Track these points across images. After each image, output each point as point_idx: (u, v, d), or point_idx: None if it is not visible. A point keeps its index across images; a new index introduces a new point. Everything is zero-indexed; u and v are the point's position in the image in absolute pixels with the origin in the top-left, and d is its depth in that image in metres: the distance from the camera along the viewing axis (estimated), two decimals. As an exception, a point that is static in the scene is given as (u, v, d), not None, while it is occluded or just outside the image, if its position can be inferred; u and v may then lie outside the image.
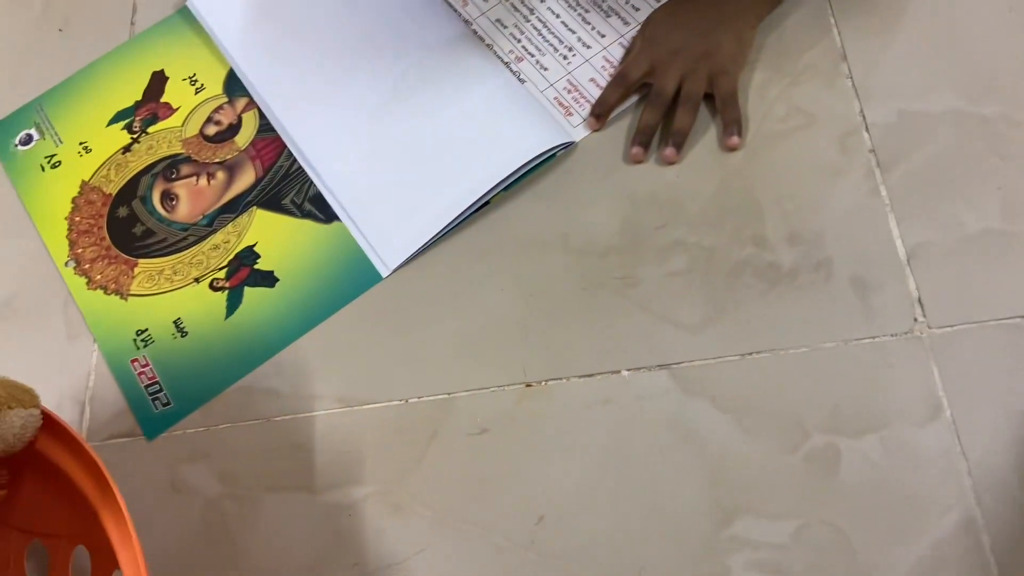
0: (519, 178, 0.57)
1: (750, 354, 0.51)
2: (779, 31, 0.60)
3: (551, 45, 0.63)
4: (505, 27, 0.64)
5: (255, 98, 0.63)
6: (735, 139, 0.56)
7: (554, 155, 0.58)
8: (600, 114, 0.59)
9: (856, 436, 0.48)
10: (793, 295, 0.52)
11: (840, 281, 0.52)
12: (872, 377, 0.49)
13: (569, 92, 0.62)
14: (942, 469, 0.47)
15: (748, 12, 0.59)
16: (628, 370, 0.52)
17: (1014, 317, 0.49)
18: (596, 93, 0.61)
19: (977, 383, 0.48)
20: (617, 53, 0.62)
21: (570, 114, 0.61)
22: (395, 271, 0.56)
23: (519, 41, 0.64)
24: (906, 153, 0.55)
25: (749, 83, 0.59)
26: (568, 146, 0.59)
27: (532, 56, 0.63)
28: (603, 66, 0.62)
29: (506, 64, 0.62)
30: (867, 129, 0.56)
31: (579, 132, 0.60)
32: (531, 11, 0.64)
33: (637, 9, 0.63)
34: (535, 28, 0.64)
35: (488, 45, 0.63)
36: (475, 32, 0.64)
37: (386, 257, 0.56)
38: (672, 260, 0.55)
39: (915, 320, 0.50)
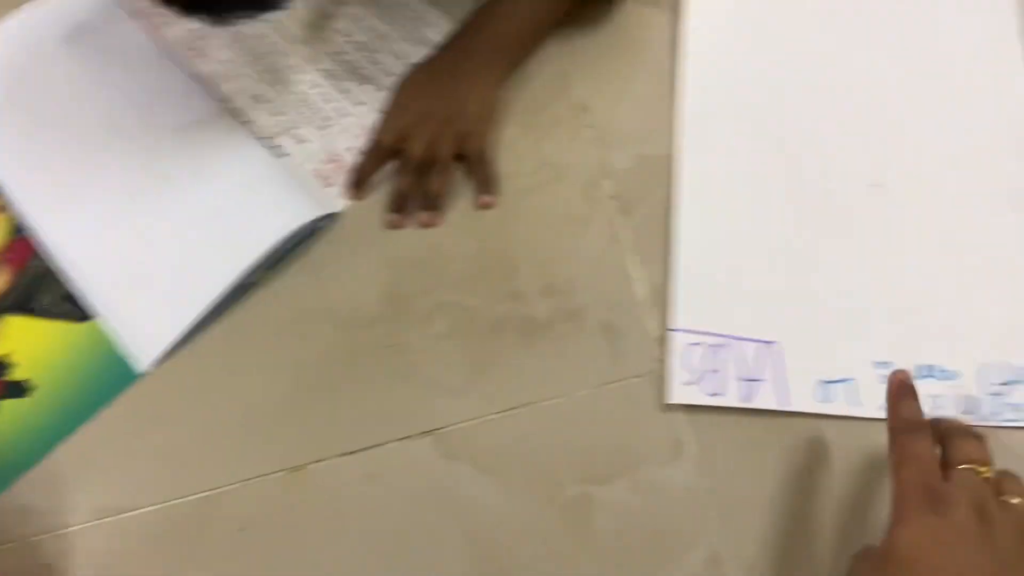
0: (284, 254, 0.57)
1: (509, 410, 0.52)
2: (526, 88, 0.62)
3: (310, 117, 0.64)
4: (266, 102, 0.64)
5: (3, 198, 0.61)
6: (487, 198, 0.58)
7: (318, 227, 0.58)
8: (357, 183, 0.59)
9: (607, 482, 0.50)
10: (549, 347, 0.54)
11: (591, 328, 0.54)
12: (621, 421, 0.51)
13: (328, 163, 0.62)
14: (688, 505, 0.49)
15: (491, 74, 0.60)
16: (394, 441, 0.53)
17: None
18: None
19: (715, 417, 0.50)
20: (374, 120, 0.62)
21: (330, 184, 0.61)
22: (156, 365, 0.55)
23: (279, 115, 0.64)
24: (644, 196, 0.57)
25: (500, 142, 0.61)
26: (330, 217, 0.59)
27: (292, 129, 0.63)
28: (359, 134, 0.62)
29: (267, 139, 0.62)
30: (608, 176, 0.58)
31: (341, 202, 0.60)
32: (289, 84, 0.64)
33: (391, 75, 0.64)
34: (296, 100, 0.64)
35: (246, 122, 0.63)
36: (232, 109, 0.63)
37: (144, 352, 0.55)
38: (436, 323, 0.56)
39: (657, 359, 0.52)
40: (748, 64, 0.60)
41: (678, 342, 0.52)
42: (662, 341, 0.52)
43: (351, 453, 0.53)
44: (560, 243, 0.57)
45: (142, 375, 0.55)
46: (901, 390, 0.41)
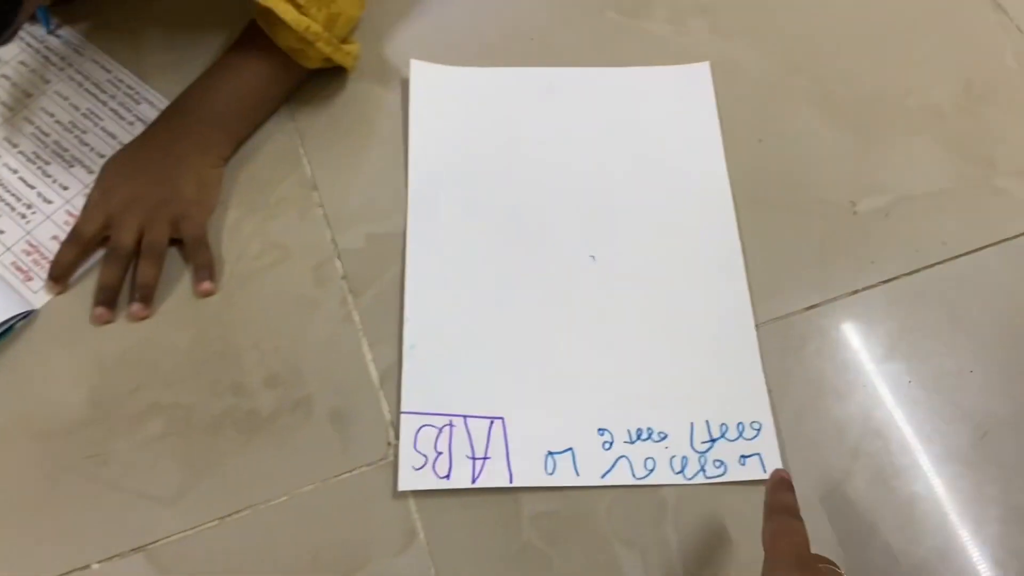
0: None
1: (229, 516, 0.49)
2: (251, 167, 0.60)
3: (8, 205, 0.58)
4: None
5: None
6: (206, 284, 0.54)
7: (12, 327, 0.52)
8: (58, 276, 0.54)
9: (336, 582, 0.47)
10: (273, 441, 0.51)
11: (320, 417, 0.52)
12: (351, 514, 0.49)
13: (29, 254, 0.56)
14: (420, 595, 0.47)
15: (208, 152, 0.57)
16: (99, 562, 0.47)
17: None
18: None
19: (446, 500, 0.49)
20: (81, 205, 0.57)
21: (30, 279, 0.55)
22: None
23: None
24: (375, 276, 0.56)
25: (223, 223, 0.57)
26: (27, 315, 0.53)
27: None
28: (66, 221, 0.57)
29: None
30: (339, 256, 0.57)
31: (41, 297, 0.54)
32: None
33: (102, 156, 0.59)
34: None
35: None
36: None
37: None
38: (147, 426, 0.51)
39: (388, 444, 0.51)
40: (471, 144, 0.61)
41: (408, 425, 0.51)
42: (395, 425, 0.51)
43: (52, 580, 0.47)
44: (287, 328, 0.54)
45: None
46: (780, 484, 0.44)
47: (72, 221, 0.57)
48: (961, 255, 0.57)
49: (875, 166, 0.60)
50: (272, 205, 0.59)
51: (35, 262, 0.56)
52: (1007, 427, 0.51)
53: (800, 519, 0.41)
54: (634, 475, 0.50)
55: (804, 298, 0.55)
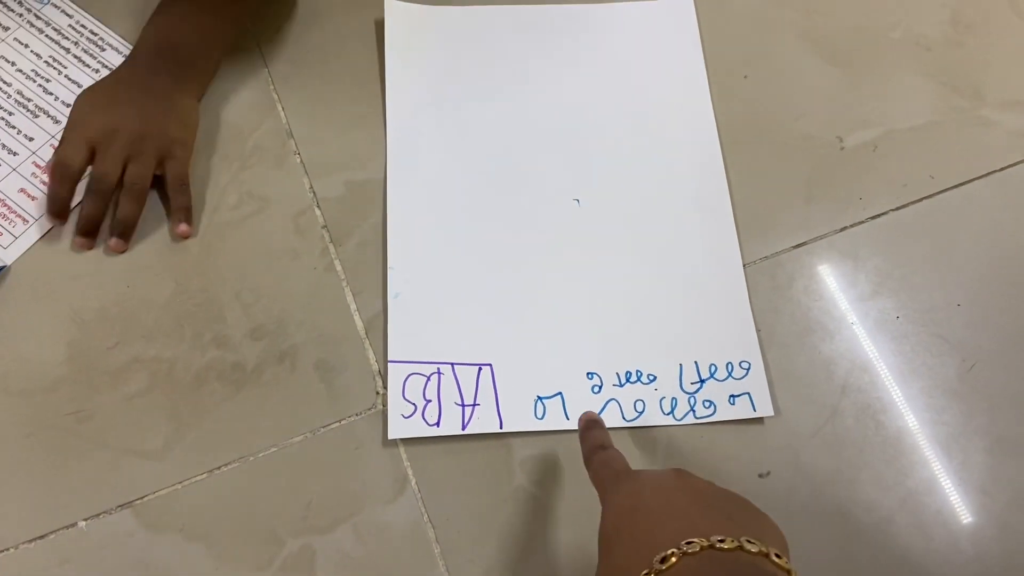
0: None
1: (218, 468, 0.48)
2: (225, 115, 0.58)
3: None
4: None
5: None
6: (184, 226, 0.53)
7: None
8: (59, 212, 0.53)
9: (329, 530, 0.47)
10: (260, 394, 0.50)
11: (305, 369, 0.51)
12: (342, 463, 0.49)
13: None
14: (413, 541, 0.47)
15: (186, 90, 0.56)
16: (86, 519, 0.47)
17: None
18: (28, 206, 0.54)
19: (436, 447, 0.49)
20: (48, 155, 0.56)
21: None
22: None
23: None
24: (356, 224, 0.55)
25: (197, 173, 0.56)
26: (0, 271, 0.51)
27: None
28: (34, 173, 0.55)
29: None
30: (319, 205, 0.55)
31: (12, 253, 0.53)
32: None
33: (68, 105, 0.57)
34: None
35: None
36: None
37: None
38: (129, 381, 0.50)
39: (377, 393, 0.50)
40: (450, 86, 0.59)
41: (396, 374, 0.50)
42: (383, 374, 0.51)
43: (40, 538, 0.47)
44: (269, 279, 0.53)
45: None
46: (589, 424, 0.45)
47: (41, 172, 0.55)
48: (949, 188, 0.56)
49: (862, 100, 0.59)
50: (248, 154, 0.57)
51: (3, 216, 0.54)
52: (994, 359, 0.51)
53: (613, 448, 0.41)
54: (624, 417, 0.50)
55: (791, 236, 0.55)
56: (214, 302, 0.53)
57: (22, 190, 0.55)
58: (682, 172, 0.57)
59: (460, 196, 0.55)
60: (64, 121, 0.56)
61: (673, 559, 0.29)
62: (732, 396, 0.50)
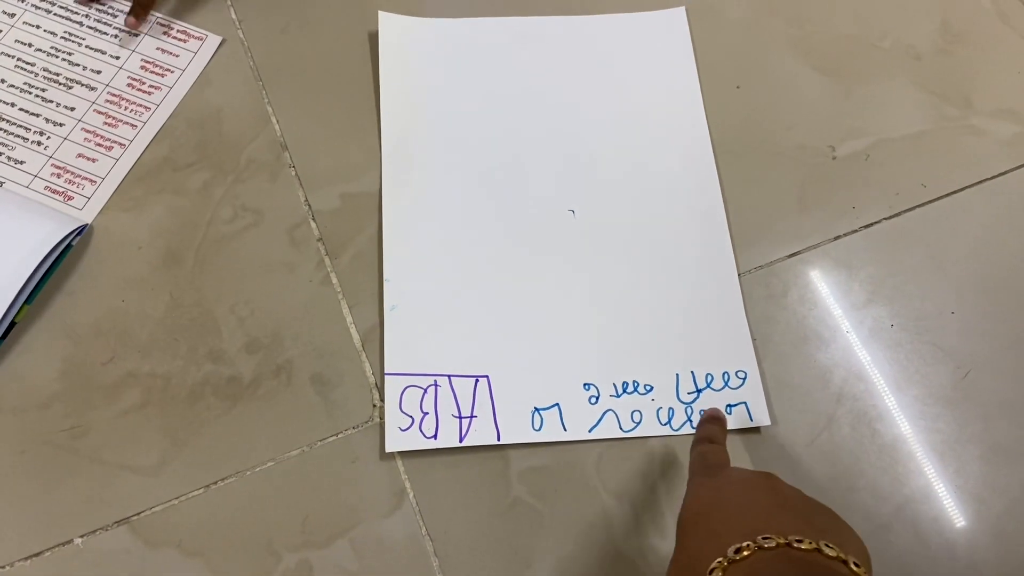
0: (43, 282, 0.52)
1: (215, 484, 0.48)
2: (219, 127, 0.58)
3: (18, 137, 0.57)
4: None
5: None
6: (132, 19, 0.58)
7: (70, 245, 0.53)
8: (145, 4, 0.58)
9: (326, 545, 0.47)
10: (256, 407, 0.50)
11: (302, 382, 0.51)
12: (339, 477, 0.48)
13: (59, 176, 0.56)
14: (411, 555, 0.47)
15: None
16: (82, 536, 0.46)
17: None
18: (90, 168, 0.56)
19: (434, 460, 0.49)
20: (95, 120, 0.58)
21: (70, 198, 0.56)
22: None
23: None
24: (351, 236, 0.55)
25: (191, 187, 0.56)
26: (83, 230, 0.52)
27: (0, 155, 0.56)
28: (87, 139, 0.57)
29: None
30: (314, 218, 0.55)
31: (89, 213, 0.55)
32: None
33: (97, 72, 0.58)
34: None
35: None
36: None
37: None
38: (124, 397, 0.50)
39: (374, 406, 0.50)
40: (444, 98, 0.59)
41: (393, 387, 0.50)
42: (380, 387, 0.51)
43: (35, 556, 0.46)
44: (264, 293, 0.53)
45: None
46: (708, 419, 0.45)
47: (92, 137, 0.57)
48: (941, 197, 0.56)
49: (853, 110, 0.60)
50: (242, 167, 0.57)
51: (68, 182, 0.56)
52: (988, 366, 0.52)
53: (721, 445, 0.41)
54: (621, 428, 0.50)
55: (786, 245, 0.55)
56: (209, 316, 0.52)
57: (80, 155, 0.57)
58: (677, 182, 0.57)
59: (455, 207, 0.56)
60: (97, 87, 0.58)
61: (746, 552, 0.28)
62: (729, 406, 0.50)
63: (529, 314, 0.53)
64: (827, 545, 0.28)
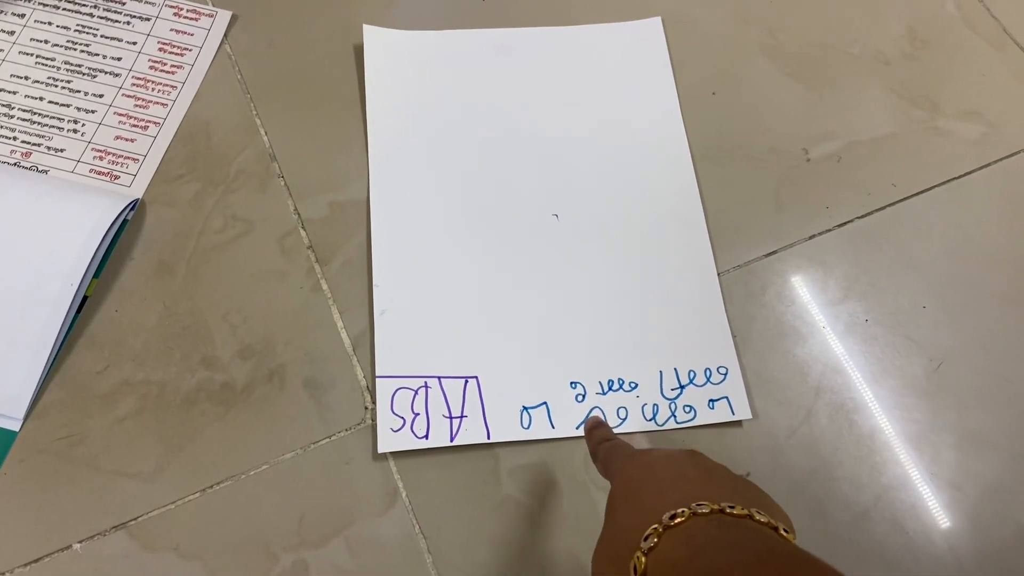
0: (105, 257, 0.54)
1: (211, 487, 0.49)
2: (208, 139, 0.59)
3: (53, 127, 0.59)
4: None
5: None
6: None
7: (126, 220, 0.56)
8: None
9: (322, 545, 0.48)
10: (250, 412, 0.51)
11: (294, 387, 0.52)
12: (333, 479, 0.49)
13: (102, 159, 0.58)
14: (405, 553, 0.48)
15: None
16: (80, 542, 0.47)
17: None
18: (130, 148, 0.59)
19: (426, 459, 0.50)
20: (125, 104, 0.60)
21: (116, 177, 0.58)
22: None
23: (14, 139, 0.58)
24: (341, 243, 0.56)
25: (181, 197, 0.57)
26: (135, 204, 0.55)
27: (39, 145, 0.58)
28: (121, 121, 0.59)
29: (15, 165, 0.57)
30: (303, 226, 0.56)
31: (138, 188, 0.58)
32: (9, 106, 0.59)
33: (119, 59, 0.61)
34: (23, 120, 0.59)
35: None
36: None
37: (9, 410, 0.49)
38: (120, 405, 0.51)
39: (365, 408, 0.51)
40: (429, 108, 0.61)
41: (384, 389, 0.51)
42: (371, 390, 0.52)
43: (34, 562, 0.47)
44: (256, 300, 0.54)
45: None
46: (594, 425, 0.45)
47: (127, 119, 0.59)
48: (910, 196, 0.59)
49: (825, 114, 0.62)
50: (232, 178, 0.58)
51: (112, 163, 0.58)
52: (959, 357, 0.54)
53: (619, 439, 0.42)
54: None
55: (763, 245, 0.57)
56: (202, 324, 0.53)
57: (117, 137, 0.59)
58: (657, 186, 0.59)
59: (442, 213, 0.57)
60: (121, 73, 0.60)
61: (681, 518, 0.29)
62: (711, 401, 0.52)
63: (516, 316, 0.54)
64: (757, 512, 0.29)
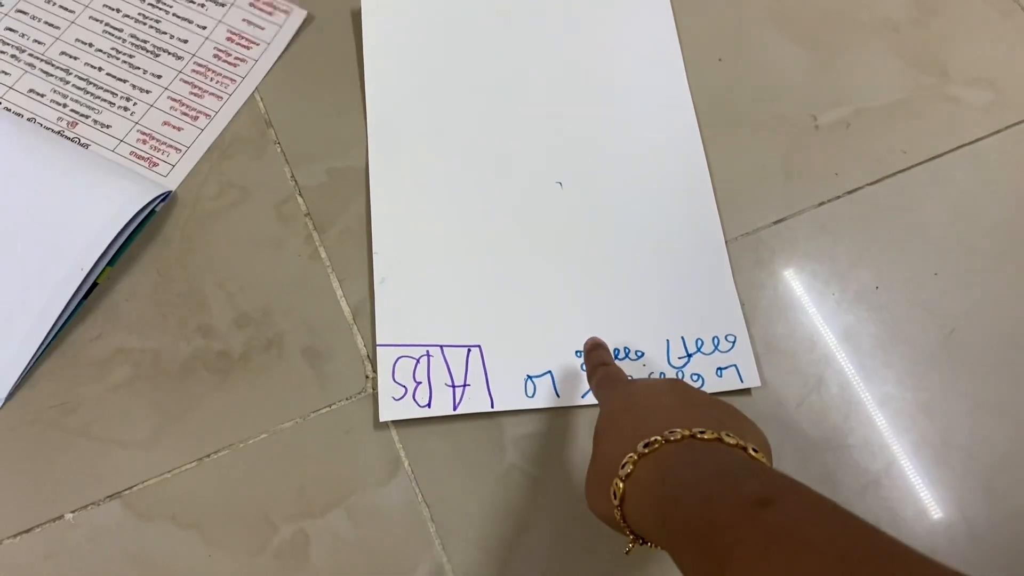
0: (126, 245, 0.53)
1: (209, 456, 0.48)
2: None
3: (105, 101, 0.57)
4: (42, 95, 0.57)
5: None
6: None
7: (154, 211, 0.54)
8: None
9: (323, 514, 0.47)
10: (248, 381, 0.50)
11: (293, 355, 0.51)
12: (333, 448, 0.48)
13: (144, 143, 0.56)
14: (408, 522, 0.47)
15: None
16: (72, 512, 0.46)
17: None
18: (175, 136, 0.57)
19: (428, 428, 0.49)
20: (181, 89, 0.58)
21: (155, 164, 0.56)
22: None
23: (64, 106, 0.57)
24: (339, 211, 0.55)
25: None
26: (166, 196, 0.53)
27: (87, 117, 0.56)
28: (172, 107, 0.57)
29: (58, 133, 0.55)
30: (300, 193, 0.55)
31: (173, 180, 0.56)
32: (67, 71, 0.57)
33: (184, 41, 0.59)
34: (78, 88, 0.57)
35: (30, 119, 0.55)
36: (7, 110, 0.55)
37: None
38: (114, 372, 0.49)
39: (366, 377, 0.50)
40: (429, 73, 0.60)
41: (385, 357, 0.50)
42: (372, 359, 0.50)
43: (25, 532, 0.46)
44: (253, 268, 0.53)
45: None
46: (593, 347, 0.47)
47: (178, 106, 0.57)
48: (920, 163, 0.57)
49: (833, 80, 0.60)
50: (227, 144, 0.57)
51: (154, 148, 0.56)
52: (972, 325, 0.53)
53: (614, 365, 0.44)
54: (614, 392, 0.50)
55: (771, 212, 0.56)
56: (197, 292, 0.52)
57: (165, 123, 0.57)
58: (662, 153, 0.57)
59: (443, 181, 0.56)
60: (184, 56, 0.58)
61: (655, 445, 0.31)
62: (719, 369, 0.51)
63: (520, 284, 0.53)
64: (727, 434, 0.31)
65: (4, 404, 0.48)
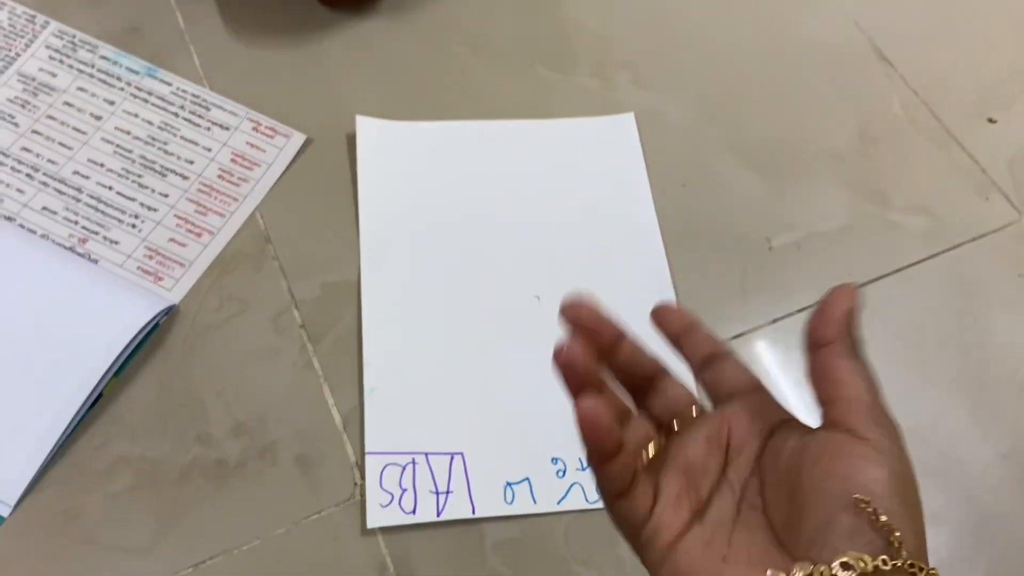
0: (130, 357, 0.56)
1: (203, 562, 0.50)
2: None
3: (114, 218, 0.61)
4: (55, 212, 0.61)
5: None
6: None
7: (157, 323, 0.57)
8: None
9: (312, 619, 0.49)
10: (243, 488, 0.53)
11: (286, 463, 0.54)
12: (323, 553, 0.51)
13: (151, 258, 0.60)
14: (393, 626, 0.49)
15: None
16: (74, 617, 0.48)
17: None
18: (180, 252, 0.61)
19: (414, 534, 0.52)
20: (187, 208, 0.62)
21: (160, 279, 0.60)
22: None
23: (76, 223, 0.61)
24: (332, 323, 0.59)
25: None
26: (170, 310, 0.56)
27: (96, 234, 0.60)
28: (178, 224, 0.61)
29: (69, 249, 0.59)
30: (296, 306, 0.59)
31: (177, 293, 0.59)
32: (79, 190, 0.62)
33: (191, 162, 0.63)
34: (89, 206, 0.61)
35: (43, 236, 0.59)
36: (22, 227, 0.59)
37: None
38: (116, 480, 0.52)
39: (355, 484, 0.53)
40: (418, 194, 0.65)
41: (373, 465, 0.54)
42: (360, 466, 0.54)
43: (25, 639, 0.48)
44: (250, 378, 0.57)
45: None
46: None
47: (183, 223, 0.61)
48: (865, 283, 0.63)
49: (786, 205, 0.67)
50: (228, 259, 0.61)
51: (160, 264, 0.60)
52: (910, 440, 0.57)
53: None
54: (587, 499, 0.54)
55: (730, 327, 0.61)
56: (197, 401, 0.56)
57: (171, 239, 0.61)
58: (630, 271, 0.63)
59: (429, 295, 0.60)
60: (190, 176, 0.63)
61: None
62: (684, 477, 0.55)
63: (499, 394, 0.57)
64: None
65: (13, 511, 0.51)
